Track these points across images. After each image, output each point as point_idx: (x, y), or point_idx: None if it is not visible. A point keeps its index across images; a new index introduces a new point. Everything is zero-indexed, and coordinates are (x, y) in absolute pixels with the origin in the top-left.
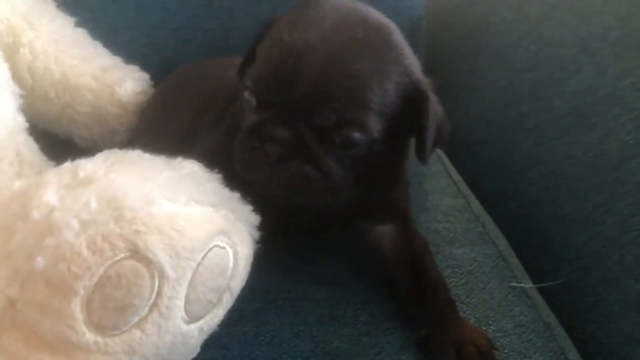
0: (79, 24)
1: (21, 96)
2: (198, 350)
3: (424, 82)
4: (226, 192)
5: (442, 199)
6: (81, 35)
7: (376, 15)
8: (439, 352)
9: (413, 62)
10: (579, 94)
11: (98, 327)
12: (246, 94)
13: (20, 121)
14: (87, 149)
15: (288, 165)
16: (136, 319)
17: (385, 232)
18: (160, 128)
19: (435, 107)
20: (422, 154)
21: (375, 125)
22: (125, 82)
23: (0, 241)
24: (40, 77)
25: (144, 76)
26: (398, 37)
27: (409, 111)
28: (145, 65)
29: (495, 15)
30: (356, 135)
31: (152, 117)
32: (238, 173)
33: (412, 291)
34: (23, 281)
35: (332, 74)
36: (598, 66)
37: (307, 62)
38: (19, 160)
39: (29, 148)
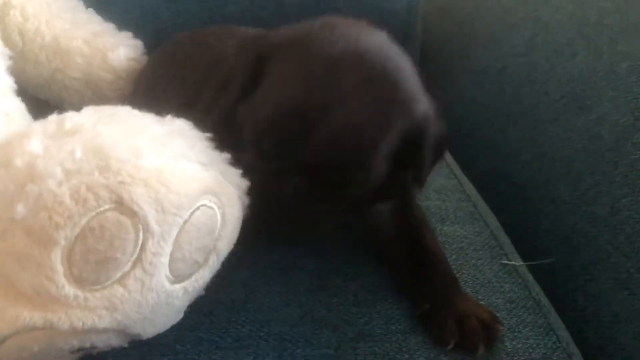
0: None
1: (10, 57)
2: (182, 314)
3: (426, 118)
4: (216, 153)
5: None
6: (74, 1)
7: (385, 50)
8: (441, 326)
9: (420, 98)
10: (574, 78)
11: (78, 281)
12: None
13: (9, 82)
14: None
15: (298, 207)
16: (118, 274)
17: (384, 208)
18: (155, 99)
19: (433, 138)
20: (418, 181)
21: (380, 175)
22: (118, 48)
23: None
24: (31, 39)
25: (138, 43)
26: (409, 73)
27: (410, 145)
28: (138, 35)
29: (492, 0)
30: (362, 188)
31: (147, 87)
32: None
33: (413, 266)
34: (2, 230)
35: (346, 142)
36: (594, 51)
37: (320, 126)
38: (7, 120)
39: (17, 108)
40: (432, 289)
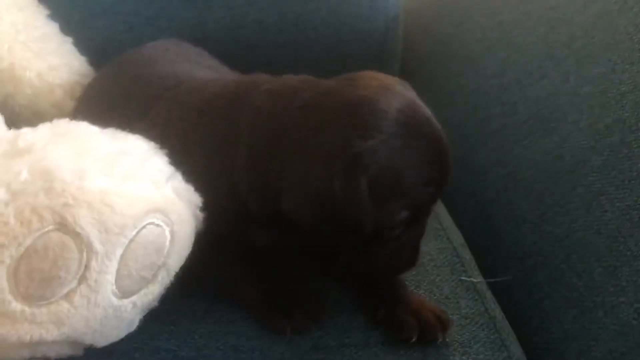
0: (59, 10)
1: None
2: (136, 324)
3: None
4: (169, 170)
5: None
6: (49, 29)
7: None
8: (400, 325)
9: None
10: (542, 100)
11: (25, 297)
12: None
13: None
14: None
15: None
16: (64, 290)
17: None
18: (100, 114)
19: None
20: None
21: None
22: (67, 85)
23: None
24: None
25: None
26: None
27: None
28: (121, 51)
29: (471, 21)
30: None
31: (91, 107)
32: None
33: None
34: None
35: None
36: (562, 73)
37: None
38: None
39: None
40: (384, 293)
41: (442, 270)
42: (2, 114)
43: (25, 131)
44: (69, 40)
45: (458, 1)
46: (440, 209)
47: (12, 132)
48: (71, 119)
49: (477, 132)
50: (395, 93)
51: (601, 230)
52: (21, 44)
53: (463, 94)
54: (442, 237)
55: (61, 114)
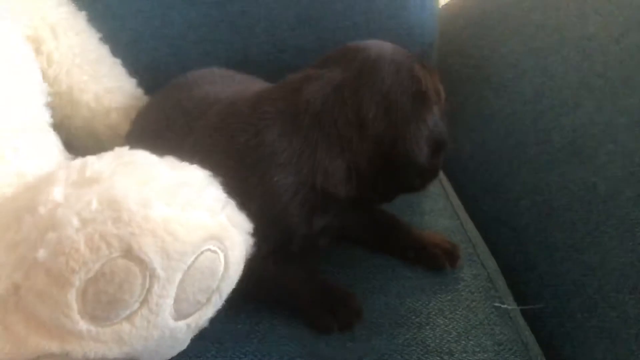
0: (109, 32)
1: (49, 94)
2: (187, 343)
3: None
4: (224, 198)
5: (437, 219)
6: (102, 52)
7: None
8: (431, 257)
9: None
10: (577, 129)
11: (91, 317)
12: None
13: (46, 117)
14: None
15: None
16: (127, 312)
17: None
18: (148, 139)
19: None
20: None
21: None
22: (122, 108)
23: (11, 229)
24: (50, 84)
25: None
26: None
27: None
28: (167, 73)
29: (506, 46)
30: None
31: (141, 133)
32: None
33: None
34: (27, 269)
35: None
36: (597, 103)
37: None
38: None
39: (52, 143)
40: (404, 242)
41: (477, 296)
42: (58, 134)
43: (92, 160)
44: (118, 62)
45: (494, 25)
46: (474, 236)
47: (79, 162)
48: (125, 143)
49: (511, 159)
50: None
51: (635, 262)
52: (78, 67)
53: (497, 119)
54: (476, 264)
55: (116, 136)
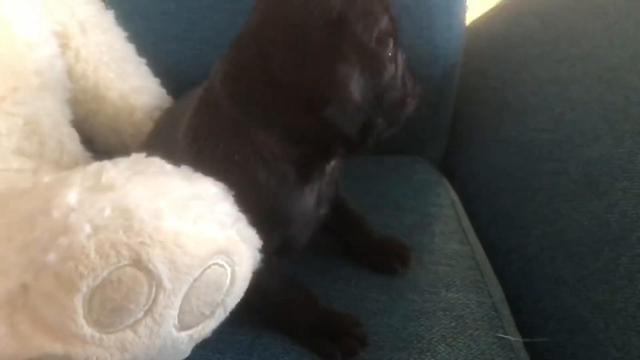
0: (135, 32)
1: (71, 90)
2: (188, 353)
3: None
4: (235, 213)
5: (447, 242)
6: (128, 51)
7: None
8: (385, 262)
9: None
10: (593, 162)
11: (96, 323)
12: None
13: (67, 113)
14: None
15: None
16: (131, 320)
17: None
18: (160, 146)
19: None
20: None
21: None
22: (146, 107)
23: (24, 230)
24: (76, 80)
25: (167, 105)
26: None
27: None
28: (189, 75)
29: (528, 71)
30: None
31: (157, 136)
32: None
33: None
34: (37, 271)
35: None
36: (616, 137)
37: None
38: (60, 148)
39: (71, 138)
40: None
41: (480, 324)
42: (81, 128)
43: (108, 166)
44: (143, 62)
45: (518, 49)
46: (483, 262)
47: (96, 166)
48: (146, 141)
49: (526, 186)
50: None
51: None
52: (105, 64)
53: (514, 145)
54: (482, 291)
55: (138, 134)
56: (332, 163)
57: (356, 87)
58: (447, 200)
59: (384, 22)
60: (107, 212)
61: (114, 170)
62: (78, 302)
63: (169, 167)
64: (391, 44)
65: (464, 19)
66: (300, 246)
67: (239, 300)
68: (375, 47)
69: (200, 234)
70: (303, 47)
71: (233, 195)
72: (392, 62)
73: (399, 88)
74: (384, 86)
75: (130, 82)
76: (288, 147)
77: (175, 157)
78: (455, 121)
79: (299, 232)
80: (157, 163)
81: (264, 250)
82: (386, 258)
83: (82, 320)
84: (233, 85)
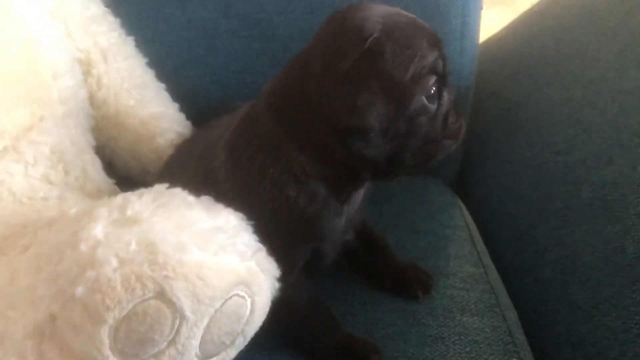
0: (156, 58)
1: (93, 117)
2: None
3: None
4: (254, 244)
5: (462, 265)
6: (148, 77)
7: None
8: (407, 287)
9: None
10: (607, 185)
11: (121, 353)
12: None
13: (90, 140)
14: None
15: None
16: (155, 350)
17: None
18: (175, 175)
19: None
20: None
21: None
22: (167, 134)
23: (52, 262)
24: (98, 107)
25: (187, 131)
26: None
27: None
28: (208, 100)
29: (541, 92)
30: None
31: (175, 166)
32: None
33: (368, 258)
34: (64, 302)
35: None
36: (629, 161)
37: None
38: (84, 176)
39: (94, 165)
40: (386, 268)
41: (495, 349)
42: (102, 153)
43: (133, 199)
44: (163, 87)
45: (531, 70)
46: (497, 285)
47: (121, 199)
48: (165, 168)
49: (539, 209)
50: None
51: None
52: (126, 91)
53: (528, 167)
54: (497, 315)
55: (159, 159)
56: (362, 190)
57: (377, 117)
58: (461, 222)
59: (428, 59)
60: (133, 245)
61: (138, 203)
62: (104, 333)
63: (191, 198)
64: (431, 82)
65: (477, 42)
66: (328, 263)
67: (257, 328)
68: (406, 82)
69: (221, 266)
70: (334, 73)
71: (263, 211)
72: (434, 101)
73: (437, 128)
74: (417, 123)
75: (150, 109)
76: (319, 167)
77: (203, 179)
78: (470, 141)
79: (328, 249)
80: (180, 195)
81: (294, 264)
82: (408, 283)
83: (107, 351)
84: (275, 104)
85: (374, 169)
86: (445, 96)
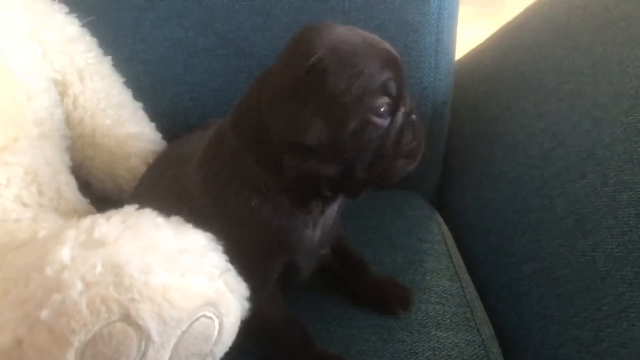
0: (133, 75)
1: (69, 137)
2: None
3: None
4: (223, 264)
5: (438, 280)
6: (124, 96)
7: None
8: (386, 304)
9: None
10: (581, 199)
11: None
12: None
13: (66, 160)
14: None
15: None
16: None
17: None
18: (148, 193)
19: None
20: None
21: None
22: (142, 153)
23: (19, 285)
24: (74, 127)
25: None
26: None
27: None
28: (187, 117)
29: (517, 105)
30: None
31: (146, 185)
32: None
33: (344, 274)
34: (30, 326)
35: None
36: (602, 175)
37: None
38: (58, 197)
39: (69, 186)
40: (366, 287)
41: None
42: (78, 173)
43: (100, 222)
44: (140, 106)
45: (508, 84)
46: (473, 299)
47: (89, 222)
48: (135, 191)
49: (515, 222)
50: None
51: (627, 344)
52: (102, 111)
53: (505, 180)
54: (472, 329)
55: (134, 179)
56: (335, 205)
57: (316, 134)
58: (439, 237)
59: (376, 78)
60: (99, 268)
61: (106, 225)
62: (70, 356)
63: (159, 219)
64: (380, 101)
65: (452, 58)
66: (303, 277)
67: (226, 349)
68: (348, 100)
69: (188, 287)
70: (280, 90)
71: (233, 224)
72: (385, 118)
73: (388, 145)
74: (365, 139)
75: (126, 129)
76: (279, 180)
77: (177, 198)
78: (448, 155)
79: (303, 263)
80: (149, 216)
81: (268, 278)
82: (387, 300)
83: None
84: (236, 119)
85: (328, 184)
86: (400, 115)
